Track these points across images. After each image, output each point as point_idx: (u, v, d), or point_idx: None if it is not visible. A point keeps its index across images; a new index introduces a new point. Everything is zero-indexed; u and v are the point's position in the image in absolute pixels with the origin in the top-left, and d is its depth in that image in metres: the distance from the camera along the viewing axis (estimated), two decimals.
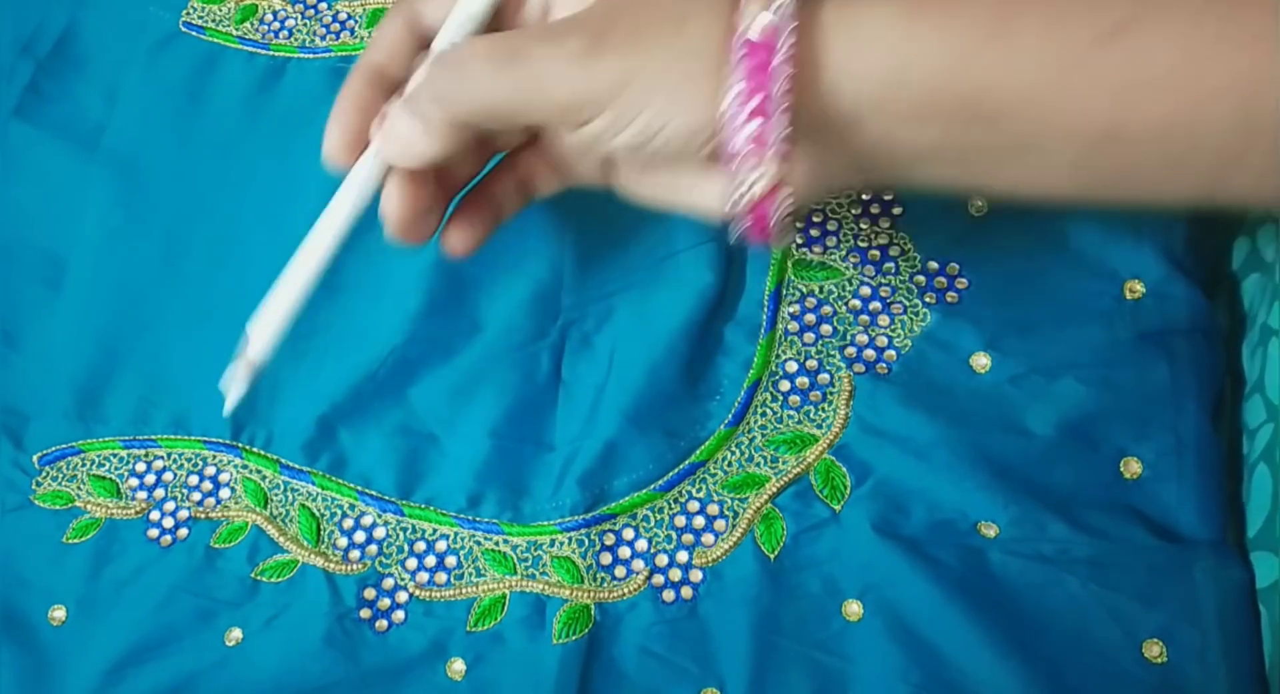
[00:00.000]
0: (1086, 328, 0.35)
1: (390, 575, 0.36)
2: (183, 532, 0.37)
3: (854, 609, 0.33)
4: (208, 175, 0.43)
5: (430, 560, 0.36)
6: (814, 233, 0.38)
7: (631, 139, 0.28)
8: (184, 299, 0.41)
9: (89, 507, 0.38)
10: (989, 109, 0.27)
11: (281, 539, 0.36)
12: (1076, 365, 0.34)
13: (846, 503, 0.34)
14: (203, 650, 0.35)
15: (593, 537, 0.35)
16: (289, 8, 0.46)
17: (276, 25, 0.46)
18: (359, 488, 0.37)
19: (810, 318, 0.37)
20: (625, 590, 0.34)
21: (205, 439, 0.39)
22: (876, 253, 0.37)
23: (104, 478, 0.38)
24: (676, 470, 0.35)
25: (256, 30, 0.46)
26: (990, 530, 0.33)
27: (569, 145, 0.31)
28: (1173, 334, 0.34)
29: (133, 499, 0.38)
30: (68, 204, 0.43)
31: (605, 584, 0.34)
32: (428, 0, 0.33)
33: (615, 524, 0.35)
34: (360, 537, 0.36)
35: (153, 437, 0.39)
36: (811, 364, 0.36)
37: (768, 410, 0.36)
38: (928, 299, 0.36)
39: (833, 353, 0.36)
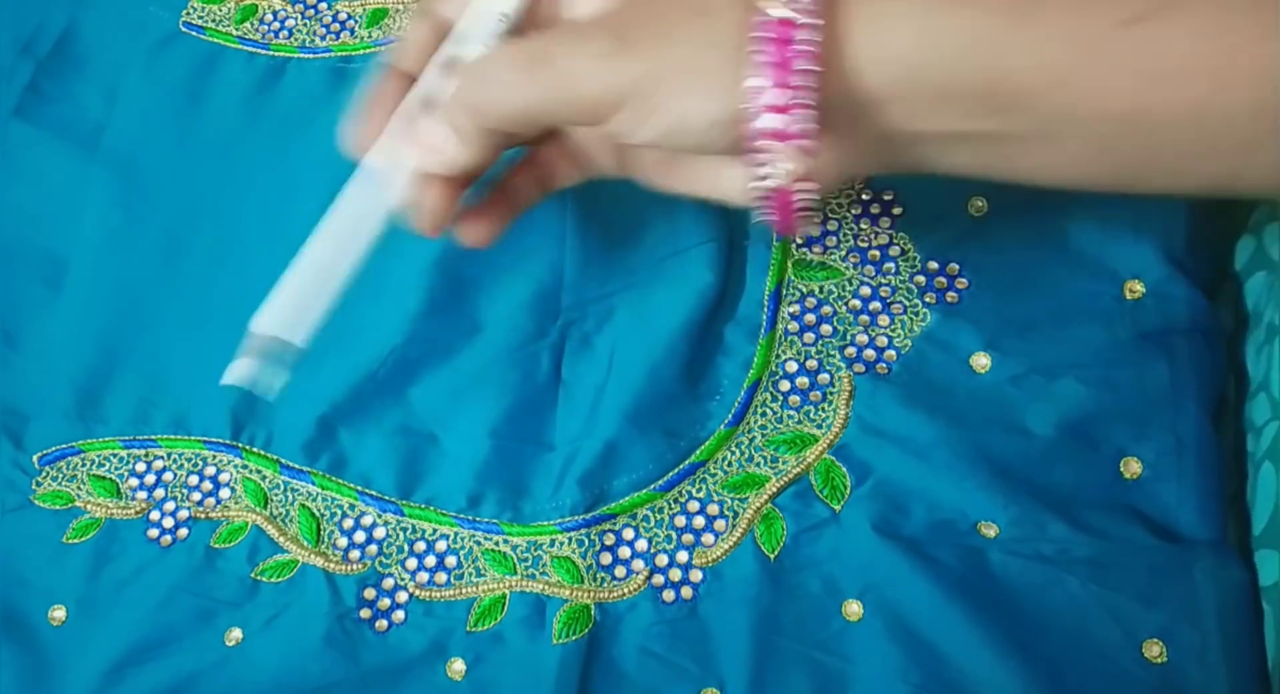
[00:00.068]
0: (1086, 328, 0.35)
1: (390, 575, 0.36)
2: (183, 532, 0.37)
3: (854, 609, 0.33)
4: (208, 175, 0.43)
5: (430, 560, 0.36)
6: (814, 232, 0.38)
7: (655, 131, 0.28)
8: (184, 299, 0.41)
9: (89, 507, 0.38)
10: (1011, 94, 0.27)
11: (281, 539, 0.36)
12: (1076, 365, 0.34)
13: (846, 503, 0.34)
14: (203, 650, 0.35)
15: (593, 537, 0.35)
16: (289, 8, 0.46)
17: (276, 25, 0.46)
18: (359, 488, 0.37)
19: (810, 318, 0.37)
20: (625, 590, 0.34)
21: (205, 439, 0.39)
22: (876, 253, 0.37)
23: (104, 478, 0.38)
24: (676, 470, 0.35)
25: (256, 30, 0.46)
26: (990, 530, 0.33)
27: (590, 138, 0.31)
28: (1173, 334, 0.34)
29: (133, 499, 0.38)
30: (68, 204, 0.43)
31: (605, 584, 0.34)
32: (451, 1, 0.33)
33: (615, 524, 0.35)
34: (360, 537, 0.36)
35: (153, 437, 0.39)
36: (811, 364, 0.36)
37: (768, 410, 0.36)
38: (928, 299, 0.36)
39: (833, 353, 0.36)
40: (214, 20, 0.46)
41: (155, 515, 0.37)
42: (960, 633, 0.31)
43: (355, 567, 0.36)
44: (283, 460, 0.38)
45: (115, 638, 0.35)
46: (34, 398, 0.40)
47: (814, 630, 0.33)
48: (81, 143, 0.44)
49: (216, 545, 0.37)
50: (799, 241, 0.38)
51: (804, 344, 0.36)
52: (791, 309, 0.37)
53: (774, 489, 0.35)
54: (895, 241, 0.37)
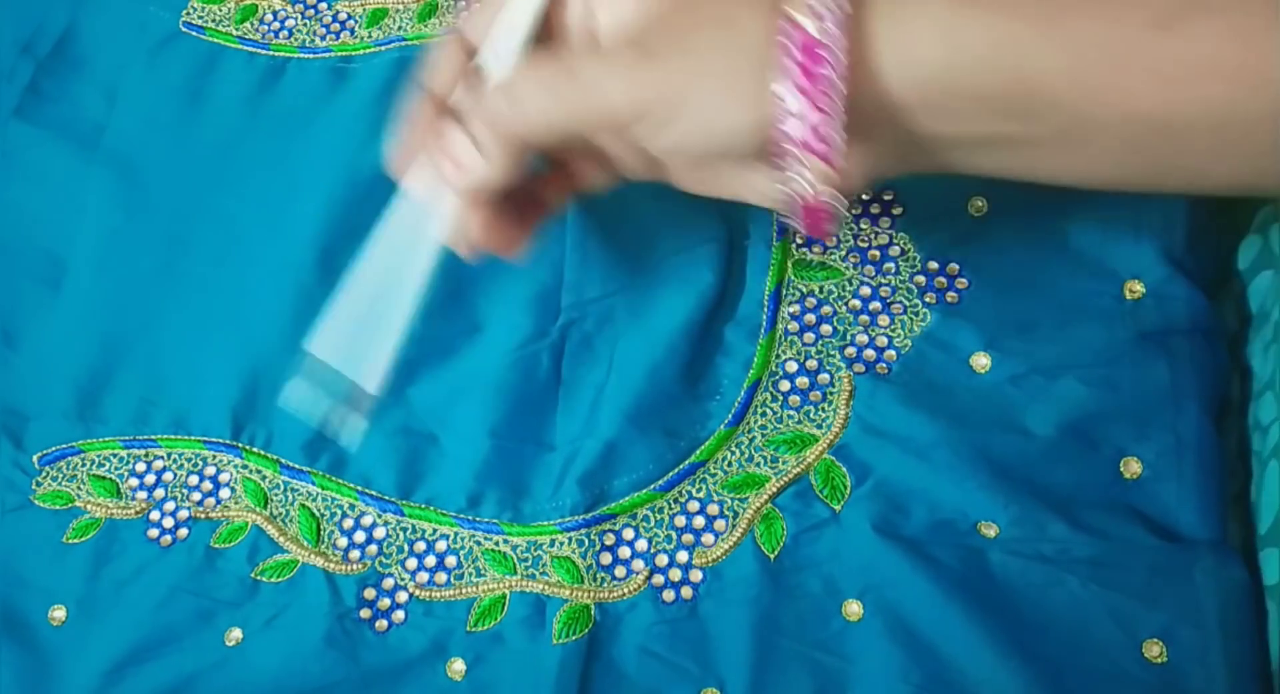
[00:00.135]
0: (1086, 328, 0.35)
1: (390, 575, 0.36)
2: (183, 532, 0.37)
3: (854, 609, 0.33)
4: (208, 175, 0.43)
5: (430, 560, 0.36)
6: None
7: (680, 138, 0.29)
8: (184, 299, 0.41)
9: (89, 507, 0.38)
10: (1037, 97, 0.27)
11: (281, 539, 0.36)
12: (1076, 365, 0.34)
13: (846, 503, 0.34)
14: (203, 650, 0.35)
15: (593, 537, 0.35)
16: (289, 8, 0.46)
17: (276, 25, 0.46)
18: (359, 488, 0.37)
19: (810, 318, 0.37)
20: (625, 590, 0.34)
21: (205, 439, 0.39)
22: (876, 253, 0.37)
23: (104, 478, 0.38)
24: (676, 470, 0.35)
25: (256, 30, 0.46)
26: (990, 530, 0.33)
27: (618, 142, 0.31)
28: (1173, 334, 0.34)
29: (133, 499, 0.38)
30: (68, 204, 0.43)
31: (605, 584, 0.34)
32: (475, 18, 0.33)
33: (615, 524, 0.35)
34: (360, 537, 0.36)
35: (153, 437, 0.39)
36: (811, 364, 0.36)
37: (768, 410, 0.36)
38: (928, 299, 0.36)
39: (833, 353, 0.36)
40: (214, 20, 0.46)
41: (155, 515, 0.37)
42: (960, 633, 0.31)
43: (355, 567, 0.36)
44: (283, 460, 0.38)
45: (115, 638, 0.35)
46: (34, 398, 0.40)
47: (814, 630, 0.33)
48: (81, 143, 0.44)
49: (216, 545, 0.37)
50: (799, 241, 0.38)
51: (804, 344, 0.36)
52: (791, 309, 0.37)
53: (774, 489, 0.35)
54: (895, 241, 0.37)
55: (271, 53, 0.45)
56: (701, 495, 0.35)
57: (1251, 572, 0.32)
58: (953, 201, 0.37)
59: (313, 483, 0.37)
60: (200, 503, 0.38)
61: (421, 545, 0.36)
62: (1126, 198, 0.30)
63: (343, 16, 0.45)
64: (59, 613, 0.36)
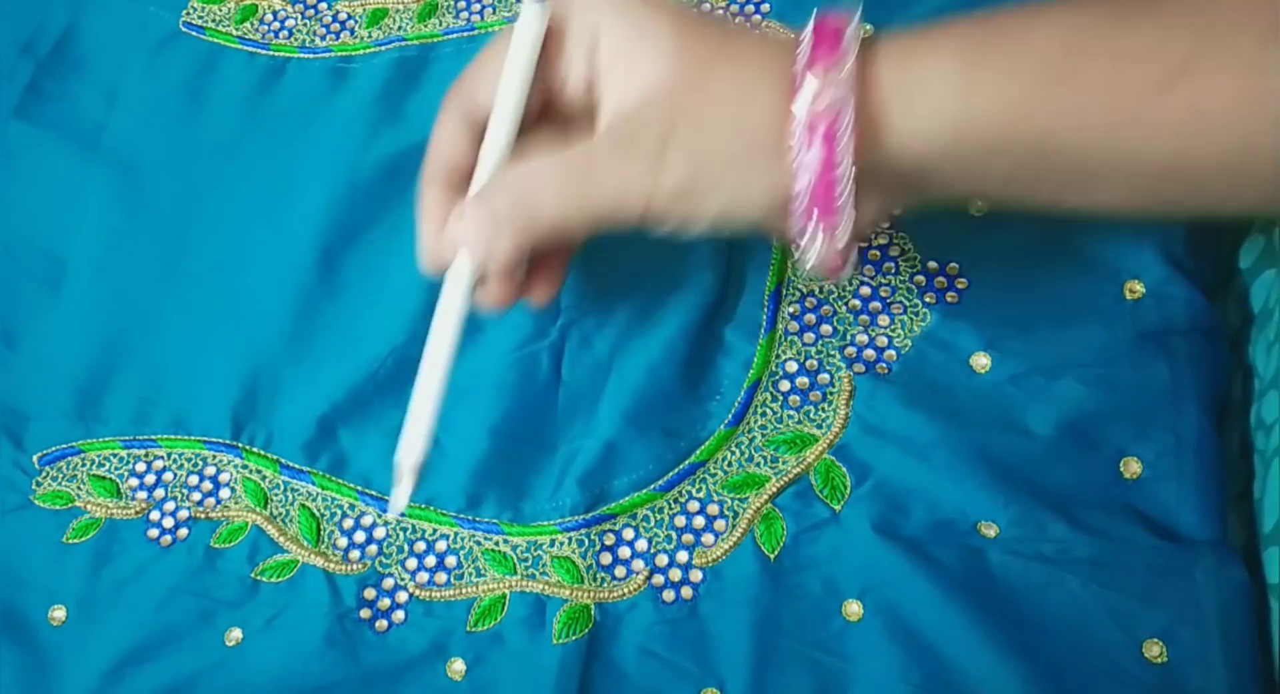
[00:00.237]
0: (1086, 328, 0.35)
1: (390, 575, 0.36)
2: (183, 532, 0.37)
3: (854, 609, 0.33)
4: (208, 175, 0.43)
5: (430, 560, 0.36)
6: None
7: (706, 224, 0.29)
8: (184, 299, 0.41)
9: (89, 507, 0.38)
10: (1052, 151, 0.27)
11: (281, 539, 0.36)
12: (1076, 365, 0.34)
13: (846, 503, 0.34)
14: (203, 650, 0.35)
15: (593, 537, 0.35)
16: (289, 8, 0.46)
17: (276, 25, 0.46)
18: (359, 488, 0.37)
19: (810, 318, 0.37)
20: (625, 590, 0.34)
21: (205, 439, 0.39)
22: (876, 253, 0.37)
23: (104, 478, 0.38)
24: (676, 470, 0.35)
25: (256, 30, 0.46)
26: (990, 530, 0.33)
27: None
28: (1173, 334, 0.34)
29: (133, 499, 0.38)
30: (68, 204, 0.43)
31: (605, 584, 0.34)
32: (475, 86, 0.33)
33: (615, 524, 0.35)
34: (360, 537, 0.36)
35: (153, 437, 0.39)
36: (811, 364, 0.36)
37: (768, 410, 0.36)
38: (928, 299, 0.36)
39: (833, 353, 0.36)
40: (214, 20, 0.46)
41: (155, 515, 0.37)
42: (960, 633, 0.31)
43: (355, 567, 0.36)
44: (283, 460, 0.38)
45: (115, 638, 0.35)
46: (34, 398, 0.40)
47: (814, 630, 0.33)
48: (81, 143, 0.44)
49: (216, 545, 0.37)
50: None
51: (804, 344, 0.36)
52: (791, 309, 0.37)
53: (774, 489, 0.35)
54: (895, 241, 0.37)
55: (271, 53, 0.45)
56: (701, 495, 0.35)
57: (1253, 571, 0.32)
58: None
59: (313, 483, 0.37)
60: (200, 503, 0.38)
61: (421, 545, 0.36)
62: None
63: (343, 16, 0.45)
64: (59, 613, 0.36)
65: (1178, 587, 0.31)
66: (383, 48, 0.44)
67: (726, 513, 0.35)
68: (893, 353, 0.36)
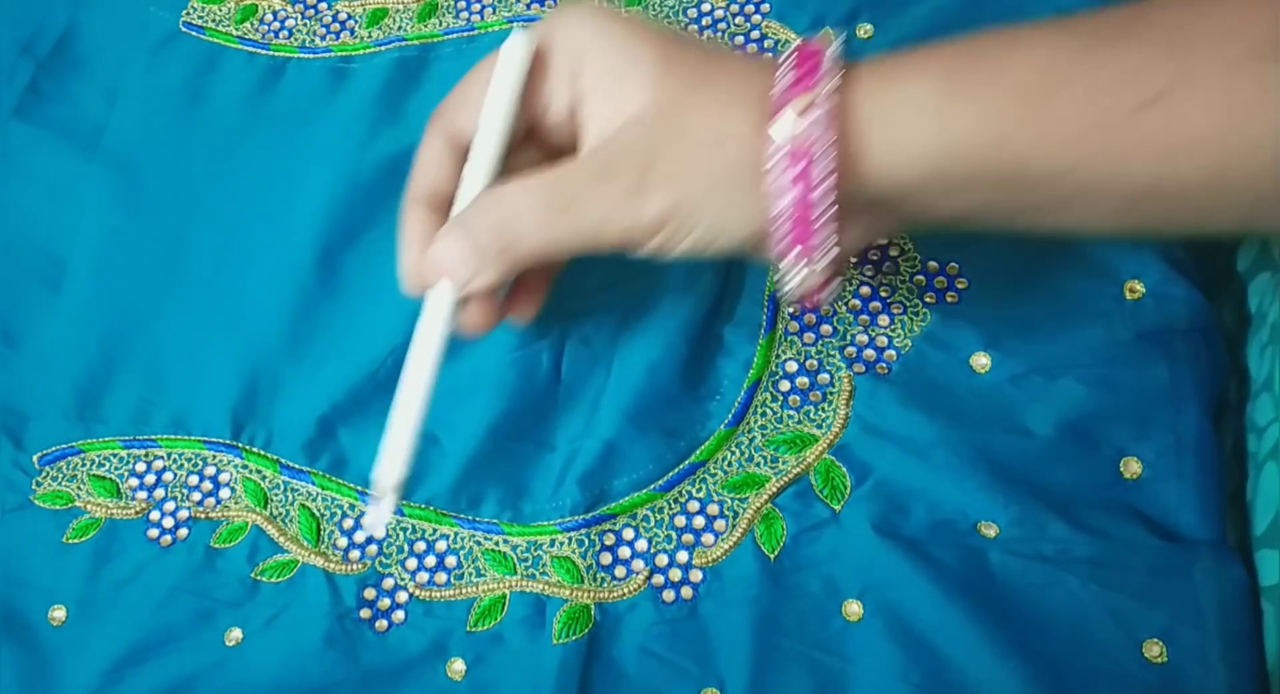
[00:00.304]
0: (1086, 328, 0.35)
1: (390, 575, 0.36)
2: (183, 532, 0.37)
3: (854, 609, 0.33)
4: (208, 175, 0.43)
5: (430, 560, 0.36)
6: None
7: (685, 252, 0.30)
8: (184, 299, 0.41)
9: (89, 507, 0.38)
10: (1031, 178, 0.27)
11: (281, 539, 0.36)
12: (1076, 365, 0.34)
13: (846, 503, 0.34)
14: (203, 650, 0.35)
15: (593, 537, 0.35)
16: (289, 8, 0.46)
17: (276, 25, 0.46)
18: (359, 488, 0.37)
19: (810, 318, 0.37)
20: (625, 590, 0.34)
21: (205, 439, 0.39)
22: (876, 253, 0.37)
23: (104, 478, 0.38)
24: (676, 470, 0.35)
25: (256, 30, 0.46)
26: (990, 530, 0.33)
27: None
28: (1172, 334, 0.34)
29: (133, 499, 0.38)
30: (68, 204, 0.43)
31: (605, 584, 0.34)
32: (458, 113, 0.33)
33: (615, 524, 0.35)
34: (360, 537, 0.36)
35: (153, 437, 0.39)
36: (811, 364, 0.36)
37: (768, 410, 0.36)
38: (928, 299, 0.36)
39: (833, 353, 0.36)
40: (214, 20, 0.46)
41: (155, 515, 0.37)
42: (960, 633, 0.31)
43: (355, 567, 0.36)
44: (283, 460, 0.38)
45: (115, 638, 0.35)
46: (34, 398, 0.40)
47: (814, 630, 0.33)
48: (81, 143, 0.44)
49: (216, 545, 0.37)
50: (792, 312, 0.38)
51: (804, 344, 0.36)
52: (791, 309, 0.37)
53: (774, 489, 0.35)
54: (895, 241, 0.37)
55: (271, 53, 0.45)
56: (701, 495, 0.35)
57: (1249, 572, 0.32)
58: None
59: (313, 483, 0.37)
60: (200, 503, 0.38)
61: (421, 545, 0.36)
62: None
63: (343, 16, 0.45)
64: (59, 613, 0.36)
65: (1177, 586, 0.31)
66: (383, 48, 0.44)
67: (726, 513, 0.35)
68: (893, 353, 0.36)
